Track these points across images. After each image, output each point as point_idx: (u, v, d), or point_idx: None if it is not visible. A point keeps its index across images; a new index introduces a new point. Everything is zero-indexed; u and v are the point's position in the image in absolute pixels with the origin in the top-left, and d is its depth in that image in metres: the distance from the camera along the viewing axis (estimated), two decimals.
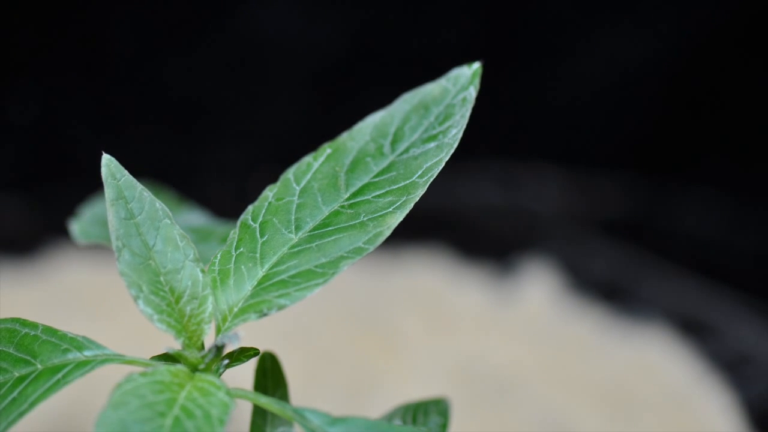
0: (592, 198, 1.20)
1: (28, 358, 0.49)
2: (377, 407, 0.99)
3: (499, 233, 1.17)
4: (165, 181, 1.19)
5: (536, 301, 1.11)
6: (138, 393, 0.45)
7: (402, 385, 1.02)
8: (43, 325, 0.50)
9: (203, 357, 0.49)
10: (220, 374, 0.50)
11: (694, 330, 1.08)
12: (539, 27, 1.28)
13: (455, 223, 1.18)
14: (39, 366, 0.49)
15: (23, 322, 0.50)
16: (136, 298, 0.50)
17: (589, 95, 1.27)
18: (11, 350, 0.49)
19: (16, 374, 0.49)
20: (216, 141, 1.26)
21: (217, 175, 1.22)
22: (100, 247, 1.12)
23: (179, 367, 0.48)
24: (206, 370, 0.49)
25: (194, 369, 0.49)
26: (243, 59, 1.27)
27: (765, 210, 1.21)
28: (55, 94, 1.25)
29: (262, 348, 0.56)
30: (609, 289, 1.12)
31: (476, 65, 0.54)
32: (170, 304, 0.50)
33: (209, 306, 0.50)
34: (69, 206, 1.16)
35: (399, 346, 1.06)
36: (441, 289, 1.11)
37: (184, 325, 0.50)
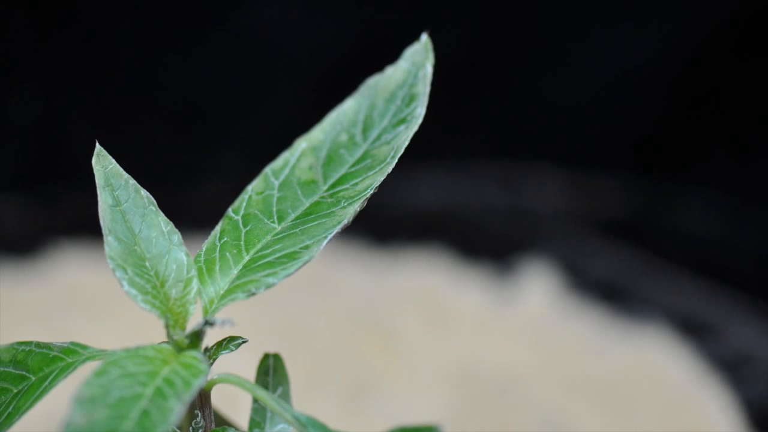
0: (592, 198, 1.20)
1: (24, 372, 0.50)
2: (376, 407, 0.99)
3: (499, 233, 1.17)
4: (165, 181, 1.20)
5: (536, 301, 1.11)
6: (120, 364, 0.46)
7: (401, 384, 1.02)
8: (36, 341, 0.51)
9: (188, 336, 0.50)
10: (213, 361, 0.50)
11: (694, 330, 1.08)
12: (539, 27, 1.28)
13: (455, 223, 1.18)
14: (33, 378, 0.50)
15: (20, 342, 0.51)
16: (121, 280, 0.50)
17: (589, 95, 1.27)
18: (11, 369, 0.50)
19: (15, 390, 0.50)
20: (216, 141, 1.26)
21: (217, 175, 1.22)
22: (100, 247, 1.12)
23: (164, 345, 0.49)
24: (191, 347, 0.50)
25: (180, 349, 0.50)
26: (243, 59, 1.27)
27: (765, 210, 1.21)
28: (55, 94, 1.25)
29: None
30: (609, 289, 1.12)
31: (424, 37, 0.55)
32: (155, 287, 0.51)
33: (194, 288, 0.51)
34: (69, 206, 1.16)
35: (399, 346, 1.06)
36: (441, 289, 1.11)
37: (170, 307, 0.50)
